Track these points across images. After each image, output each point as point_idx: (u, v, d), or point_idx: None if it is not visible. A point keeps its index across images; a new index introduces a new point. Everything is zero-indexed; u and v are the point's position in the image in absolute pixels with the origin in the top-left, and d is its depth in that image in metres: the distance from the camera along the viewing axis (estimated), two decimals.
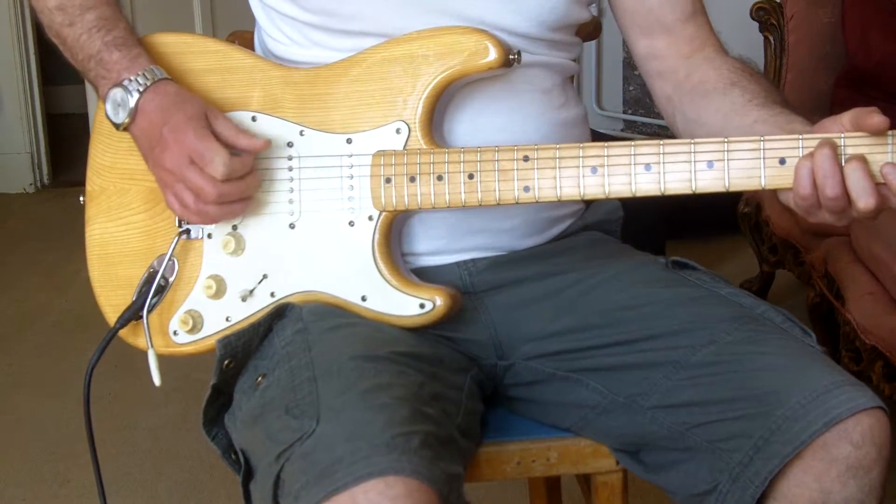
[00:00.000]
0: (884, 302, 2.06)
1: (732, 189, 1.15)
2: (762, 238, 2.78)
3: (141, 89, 1.22)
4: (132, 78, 1.23)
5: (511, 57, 1.21)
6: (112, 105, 1.24)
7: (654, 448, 1.23)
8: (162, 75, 1.24)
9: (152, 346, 1.28)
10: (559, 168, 1.18)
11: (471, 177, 1.20)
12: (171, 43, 1.30)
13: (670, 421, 1.20)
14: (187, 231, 1.28)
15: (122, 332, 1.30)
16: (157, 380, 1.28)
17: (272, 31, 1.33)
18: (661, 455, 1.22)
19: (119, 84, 1.23)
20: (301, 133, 1.25)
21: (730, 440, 1.15)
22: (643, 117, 4.03)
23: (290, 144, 1.25)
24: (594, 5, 1.37)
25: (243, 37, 1.44)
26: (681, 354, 1.20)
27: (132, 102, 1.22)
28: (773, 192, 1.16)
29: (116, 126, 1.24)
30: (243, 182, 1.21)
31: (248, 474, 1.17)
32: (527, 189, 1.19)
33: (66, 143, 4.25)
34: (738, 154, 1.14)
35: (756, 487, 1.12)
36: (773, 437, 1.12)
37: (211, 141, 1.19)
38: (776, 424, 1.12)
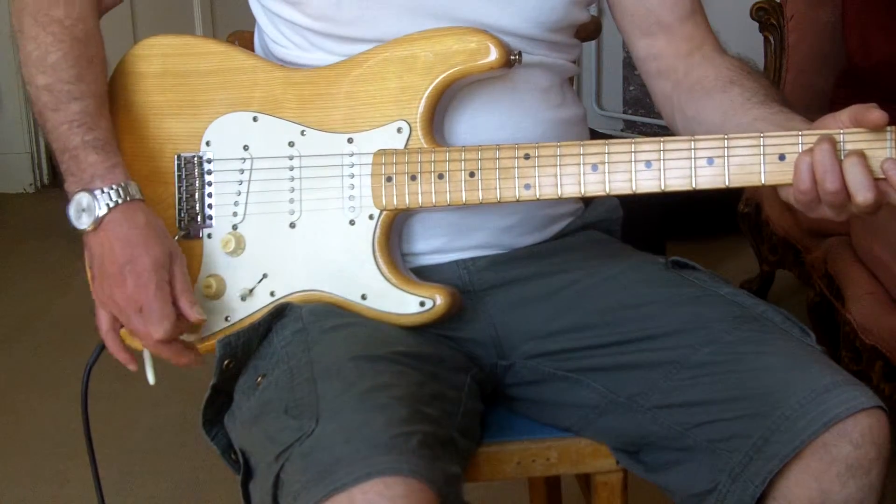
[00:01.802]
0: (884, 302, 2.06)
1: (733, 185, 1.15)
2: (762, 238, 2.78)
3: (111, 204, 1.19)
4: (104, 189, 1.19)
5: (512, 57, 1.21)
6: (76, 208, 1.20)
7: (654, 448, 1.23)
8: (135, 195, 1.21)
9: None
10: (560, 166, 1.18)
11: (472, 175, 1.20)
12: (173, 44, 1.30)
13: (670, 421, 1.20)
14: (187, 231, 1.28)
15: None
16: (151, 378, 1.28)
17: (274, 34, 1.33)
18: (660, 455, 1.22)
19: (88, 190, 1.20)
20: (302, 133, 1.25)
21: (729, 440, 1.15)
22: (643, 117, 4.03)
23: (291, 144, 1.25)
24: (594, 5, 1.37)
25: (243, 37, 1.44)
26: (681, 354, 1.20)
27: (98, 214, 1.19)
28: (774, 191, 1.16)
29: (74, 227, 1.21)
30: (178, 351, 1.22)
31: (247, 474, 1.17)
32: (528, 187, 1.19)
33: None
34: (737, 150, 1.14)
35: (756, 487, 1.13)
36: (772, 437, 1.12)
37: (164, 302, 1.18)
38: (776, 424, 1.12)
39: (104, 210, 1.19)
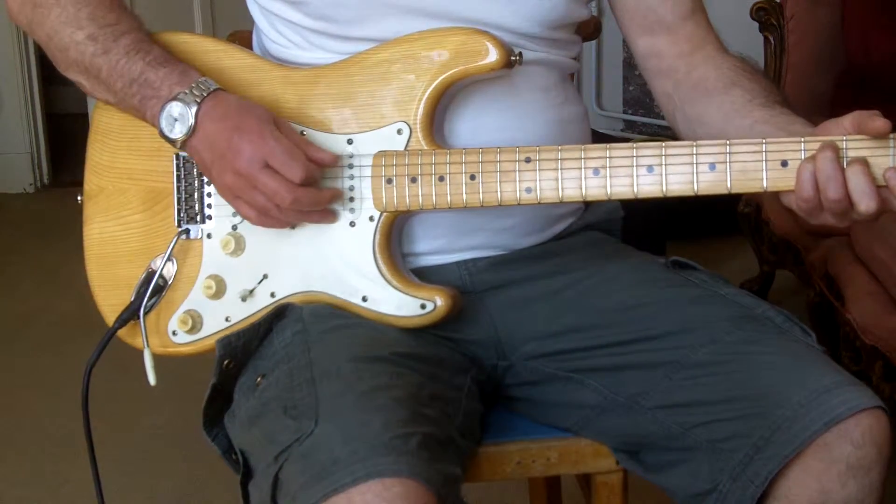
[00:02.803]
0: (884, 302, 2.06)
1: (734, 191, 1.15)
2: (762, 238, 2.78)
3: (198, 100, 1.19)
4: (187, 91, 1.19)
5: (513, 58, 1.21)
6: (167, 121, 1.19)
7: (654, 448, 1.23)
8: (216, 86, 1.21)
9: (148, 345, 1.28)
10: (561, 169, 1.18)
11: (472, 178, 1.20)
12: (172, 42, 1.29)
13: (670, 421, 1.20)
14: (187, 231, 1.28)
15: (121, 333, 1.30)
16: (152, 379, 1.28)
17: (272, 33, 1.33)
18: (661, 455, 1.22)
19: (174, 98, 1.19)
20: (302, 133, 1.24)
21: (730, 440, 1.15)
22: (643, 117, 4.03)
23: None
24: (594, 4, 1.37)
25: (243, 36, 1.44)
26: (681, 354, 1.20)
27: (191, 115, 1.19)
28: (774, 193, 1.16)
29: (173, 142, 1.20)
30: (317, 192, 1.20)
31: (246, 474, 1.17)
32: (529, 190, 1.19)
33: (66, 143, 4.25)
34: (739, 156, 1.14)
35: (756, 487, 1.13)
36: (773, 437, 1.12)
37: (289, 144, 1.17)
38: (776, 424, 1.12)
39: (194, 107, 1.19)
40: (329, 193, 1.21)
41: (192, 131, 1.19)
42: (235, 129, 1.17)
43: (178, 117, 1.19)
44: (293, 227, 1.24)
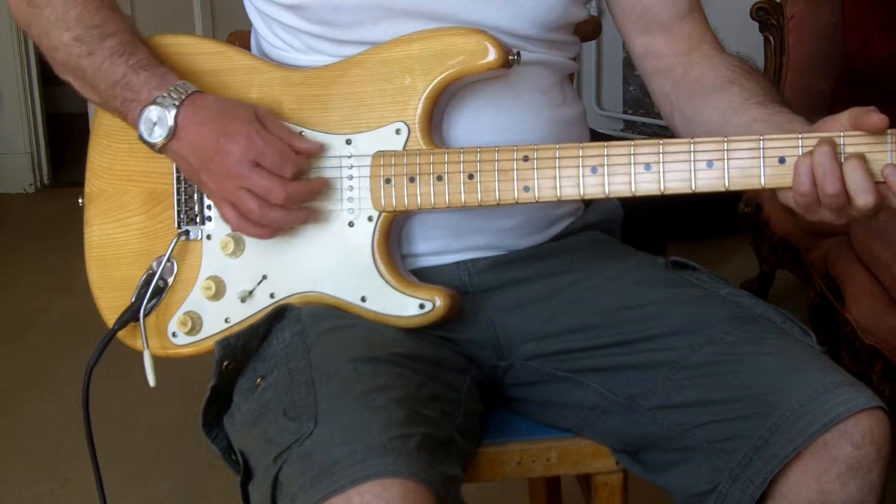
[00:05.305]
0: (884, 302, 2.06)
1: (732, 188, 1.15)
2: (762, 238, 2.78)
3: (177, 103, 1.19)
4: (165, 94, 1.19)
5: (511, 57, 1.21)
6: (146, 125, 1.19)
7: (653, 448, 1.23)
8: (193, 89, 1.21)
9: (148, 346, 1.28)
10: (559, 168, 1.18)
11: (471, 177, 1.20)
12: (172, 44, 1.30)
13: (670, 421, 1.20)
14: (186, 232, 1.28)
15: (121, 334, 1.30)
16: (151, 380, 1.28)
17: (270, 37, 1.33)
18: (660, 455, 1.22)
19: (152, 102, 1.19)
20: (301, 134, 1.25)
21: (729, 440, 1.15)
22: (643, 117, 4.03)
23: None
24: (593, 4, 1.37)
25: (243, 37, 1.44)
26: (680, 354, 1.20)
27: (170, 118, 1.18)
28: (773, 192, 1.16)
29: (152, 146, 1.20)
30: (308, 183, 1.20)
31: (246, 475, 1.17)
32: (527, 189, 1.19)
33: (66, 143, 4.24)
34: (737, 153, 1.14)
35: (756, 488, 1.13)
36: (772, 438, 1.12)
37: (277, 141, 1.18)
38: (776, 425, 1.12)
39: (173, 111, 1.19)
40: (320, 183, 1.21)
41: (171, 135, 1.19)
42: (222, 132, 1.17)
43: (157, 121, 1.19)
44: (292, 227, 1.24)
